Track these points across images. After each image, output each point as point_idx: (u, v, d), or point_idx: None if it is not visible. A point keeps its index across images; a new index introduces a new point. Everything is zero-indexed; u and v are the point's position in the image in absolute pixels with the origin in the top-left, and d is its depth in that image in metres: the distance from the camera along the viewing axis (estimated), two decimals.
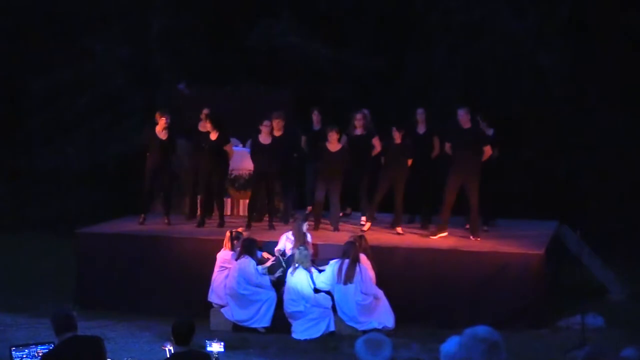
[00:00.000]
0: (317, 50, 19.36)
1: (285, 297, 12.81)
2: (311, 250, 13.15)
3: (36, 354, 7.31)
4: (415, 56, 19.61)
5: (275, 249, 13.43)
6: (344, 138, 14.58)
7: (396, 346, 7.63)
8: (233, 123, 15.14)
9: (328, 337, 12.52)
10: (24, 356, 7.33)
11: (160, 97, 18.96)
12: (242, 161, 15.45)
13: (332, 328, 12.65)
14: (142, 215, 14.75)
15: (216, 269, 13.20)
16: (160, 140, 14.52)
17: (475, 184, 13.63)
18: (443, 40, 19.16)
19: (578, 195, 18.47)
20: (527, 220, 15.61)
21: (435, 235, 13.92)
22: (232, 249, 13.21)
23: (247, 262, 12.88)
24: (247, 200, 14.92)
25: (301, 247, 12.88)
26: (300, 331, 12.65)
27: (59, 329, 6.55)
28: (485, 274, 13.00)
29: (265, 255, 13.37)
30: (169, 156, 14.77)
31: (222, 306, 13.07)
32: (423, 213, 14.98)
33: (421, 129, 14.92)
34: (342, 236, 13.63)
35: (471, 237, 13.82)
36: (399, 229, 14.33)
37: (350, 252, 12.73)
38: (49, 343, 7.34)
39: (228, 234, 13.35)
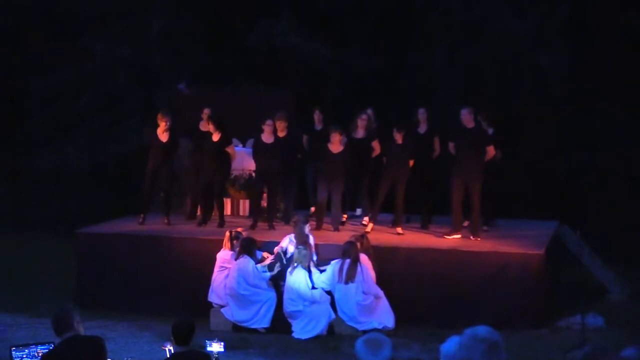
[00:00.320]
0: (317, 50, 19.34)
1: (285, 296, 12.82)
2: (313, 251, 13.15)
3: (36, 354, 7.30)
4: (415, 56, 19.59)
5: (276, 247, 13.42)
6: (344, 139, 14.57)
7: (396, 346, 7.63)
8: (233, 123, 15.14)
9: (328, 337, 12.52)
10: (24, 356, 7.32)
11: (160, 97, 18.96)
12: (242, 161, 15.47)
13: (332, 316, 12.63)
14: (142, 215, 14.75)
15: (216, 269, 13.20)
16: (161, 142, 14.54)
17: (478, 184, 13.60)
18: (443, 40, 19.15)
19: (578, 195, 18.45)
20: (527, 220, 15.62)
21: (450, 235, 13.89)
22: (232, 249, 13.21)
23: (247, 262, 12.88)
24: (247, 201, 14.89)
25: (300, 247, 12.88)
26: (301, 330, 12.66)
27: (59, 329, 6.54)
28: (485, 274, 12.99)
29: (265, 255, 13.36)
30: (170, 157, 14.77)
31: (222, 306, 13.06)
32: (423, 213, 14.98)
33: (422, 129, 14.92)
34: (342, 236, 13.62)
35: (471, 237, 13.81)
36: (399, 229, 14.33)
37: (350, 251, 12.73)
38: (49, 343, 7.33)
39: (228, 234, 13.35)
